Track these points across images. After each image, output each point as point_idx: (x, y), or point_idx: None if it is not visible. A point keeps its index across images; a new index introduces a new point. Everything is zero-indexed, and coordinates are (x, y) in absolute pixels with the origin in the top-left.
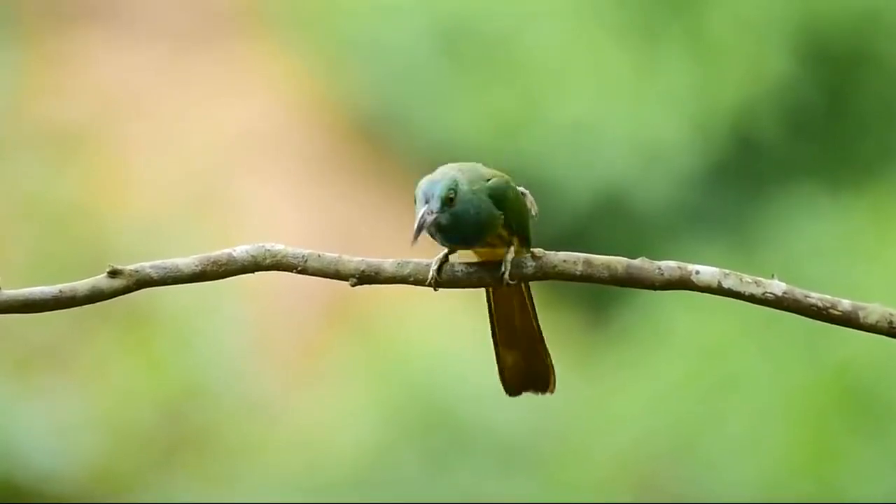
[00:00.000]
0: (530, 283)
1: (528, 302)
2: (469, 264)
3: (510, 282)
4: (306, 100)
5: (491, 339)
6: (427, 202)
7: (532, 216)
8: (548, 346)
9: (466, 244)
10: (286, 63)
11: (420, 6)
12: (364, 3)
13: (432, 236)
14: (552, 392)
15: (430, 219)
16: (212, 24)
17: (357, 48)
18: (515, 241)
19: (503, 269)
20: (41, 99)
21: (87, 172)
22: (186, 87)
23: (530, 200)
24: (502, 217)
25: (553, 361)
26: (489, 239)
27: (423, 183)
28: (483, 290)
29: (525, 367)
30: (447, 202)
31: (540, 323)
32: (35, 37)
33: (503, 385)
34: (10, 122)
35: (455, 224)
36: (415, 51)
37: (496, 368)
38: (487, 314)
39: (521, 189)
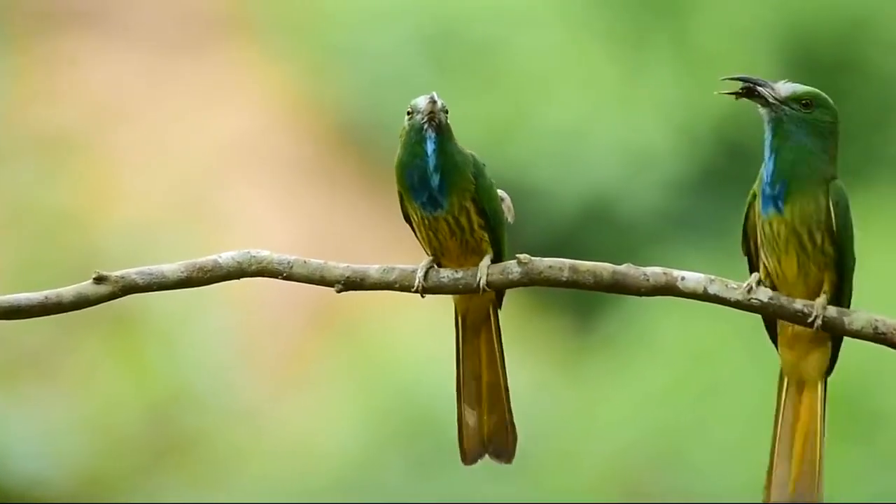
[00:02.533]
0: (502, 336)
1: (497, 353)
2: (455, 270)
3: (486, 288)
4: (293, 106)
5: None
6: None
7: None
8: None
9: (438, 186)
10: (273, 69)
11: (406, 12)
12: (351, 10)
13: (420, 131)
14: (510, 462)
15: (441, 102)
16: (199, 30)
17: (344, 54)
18: (489, 249)
19: (479, 276)
20: (30, 105)
21: (76, 178)
22: (174, 94)
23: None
24: (474, 187)
25: (516, 427)
26: (455, 203)
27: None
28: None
29: (486, 431)
30: (446, 112)
31: (509, 379)
32: (24, 42)
33: (461, 450)
34: (0, 128)
35: (444, 141)
36: (401, 57)
37: (456, 431)
38: (455, 368)
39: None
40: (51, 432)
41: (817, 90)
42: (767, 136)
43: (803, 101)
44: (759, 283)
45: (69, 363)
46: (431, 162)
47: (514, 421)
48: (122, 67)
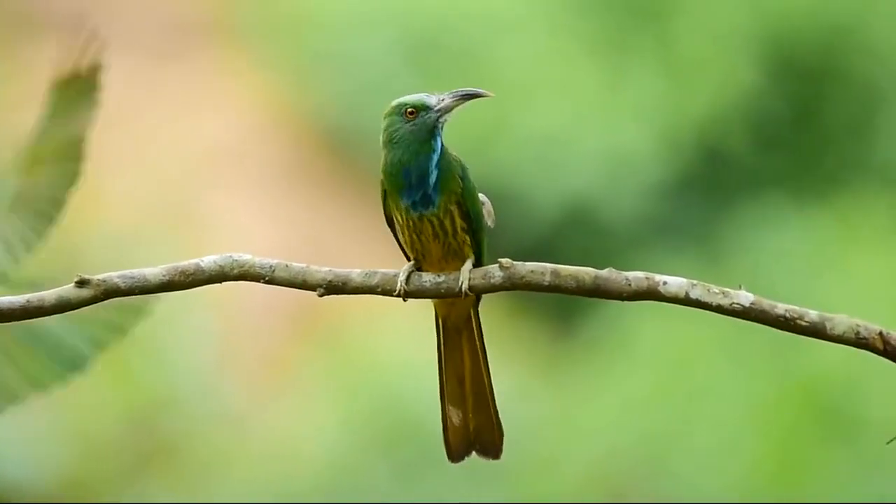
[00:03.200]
0: (483, 335)
1: (479, 351)
2: (437, 275)
3: (468, 292)
4: (277, 112)
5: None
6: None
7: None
8: (498, 405)
9: (434, 184)
10: (257, 76)
11: (390, 19)
12: (335, 17)
13: (433, 128)
14: (498, 458)
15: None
16: (182, 37)
17: (326, 61)
18: (471, 253)
19: (461, 280)
20: (14, 110)
21: None
22: (157, 100)
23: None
24: (461, 189)
25: (502, 423)
26: (443, 203)
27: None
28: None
29: (472, 428)
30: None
31: (492, 379)
32: (7, 48)
33: (446, 449)
34: None
35: (440, 141)
36: (384, 63)
37: (441, 429)
38: (437, 366)
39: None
40: (34, 437)
41: None
42: None
43: None
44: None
45: None
46: (435, 159)
47: (501, 418)
48: (106, 73)
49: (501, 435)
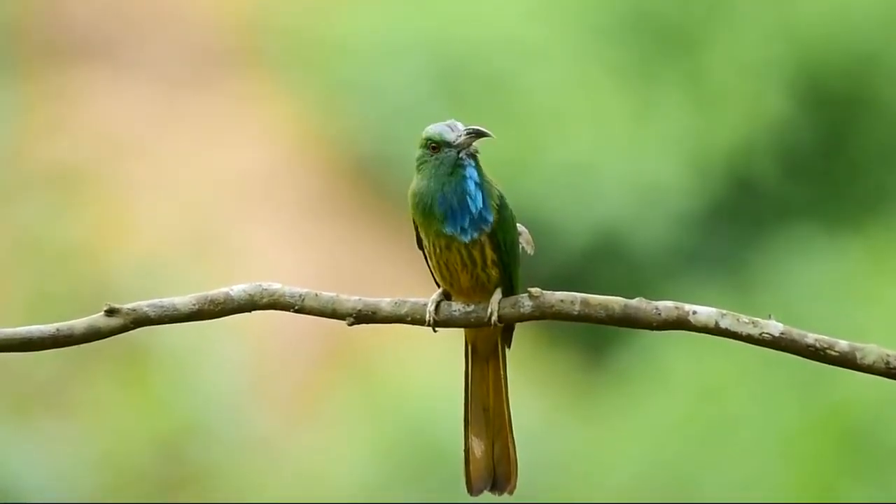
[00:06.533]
0: (507, 366)
1: (503, 383)
2: (466, 304)
3: (498, 323)
4: (304, 140)
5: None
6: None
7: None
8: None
9: (479, 207)
10: (284, 104)
11: (418, 46)
12: (362, 44)
13: (454, 162)
14: (511, 493)
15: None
16: (211, 65)
17: (355, 88)
18: (500, 285)
19: (490, 310)
20: (42, 139)
21: (87, 212)
22: (186, 128)
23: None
24: (496, 219)
25: (518, 459)
26: (478, 237)
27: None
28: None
29: (492, 460)
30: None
31: (517, 410)
32: (36, 76)
33: (466, 481)
34: (11, 161)
35: (477, 168)
36: (413, 91)
37: (462, 461)
38: (463, 399)
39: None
40: (63, 464)
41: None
42: None
43: None
44: None
45: (81, 396)
46: (472, 185)
47: (517, 453)
48: (133, 101)
49: (516, 470)
